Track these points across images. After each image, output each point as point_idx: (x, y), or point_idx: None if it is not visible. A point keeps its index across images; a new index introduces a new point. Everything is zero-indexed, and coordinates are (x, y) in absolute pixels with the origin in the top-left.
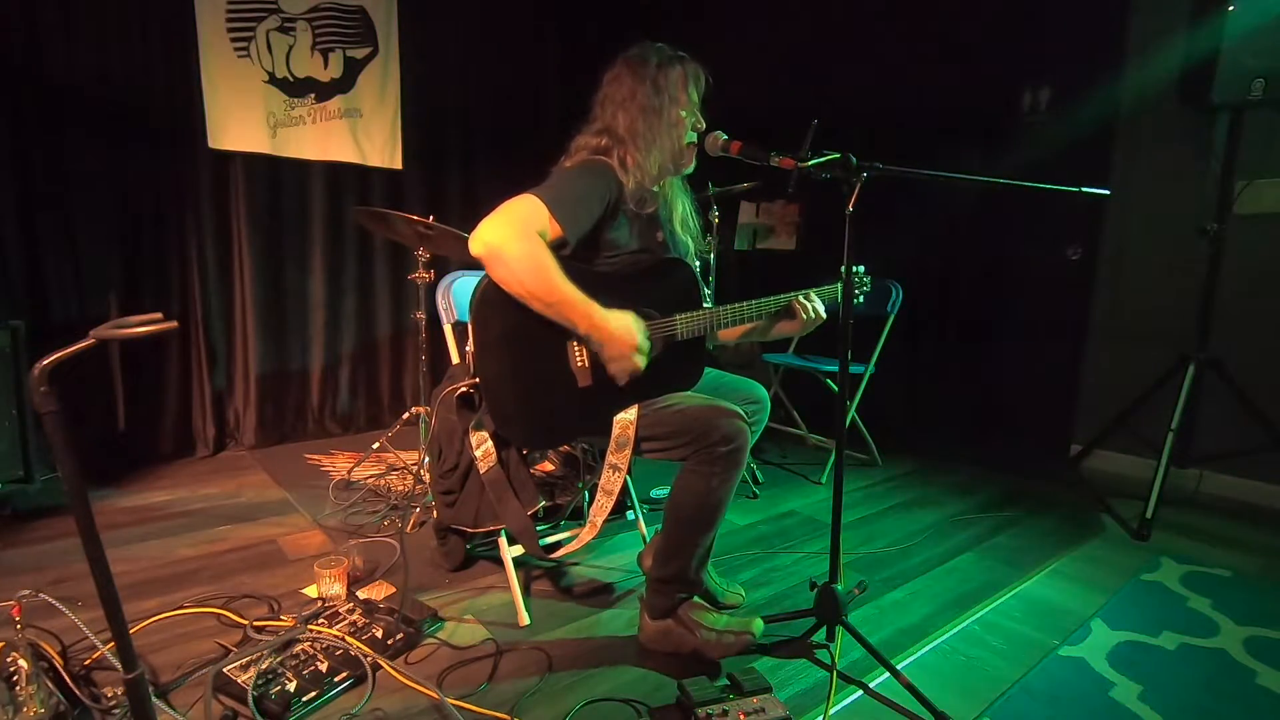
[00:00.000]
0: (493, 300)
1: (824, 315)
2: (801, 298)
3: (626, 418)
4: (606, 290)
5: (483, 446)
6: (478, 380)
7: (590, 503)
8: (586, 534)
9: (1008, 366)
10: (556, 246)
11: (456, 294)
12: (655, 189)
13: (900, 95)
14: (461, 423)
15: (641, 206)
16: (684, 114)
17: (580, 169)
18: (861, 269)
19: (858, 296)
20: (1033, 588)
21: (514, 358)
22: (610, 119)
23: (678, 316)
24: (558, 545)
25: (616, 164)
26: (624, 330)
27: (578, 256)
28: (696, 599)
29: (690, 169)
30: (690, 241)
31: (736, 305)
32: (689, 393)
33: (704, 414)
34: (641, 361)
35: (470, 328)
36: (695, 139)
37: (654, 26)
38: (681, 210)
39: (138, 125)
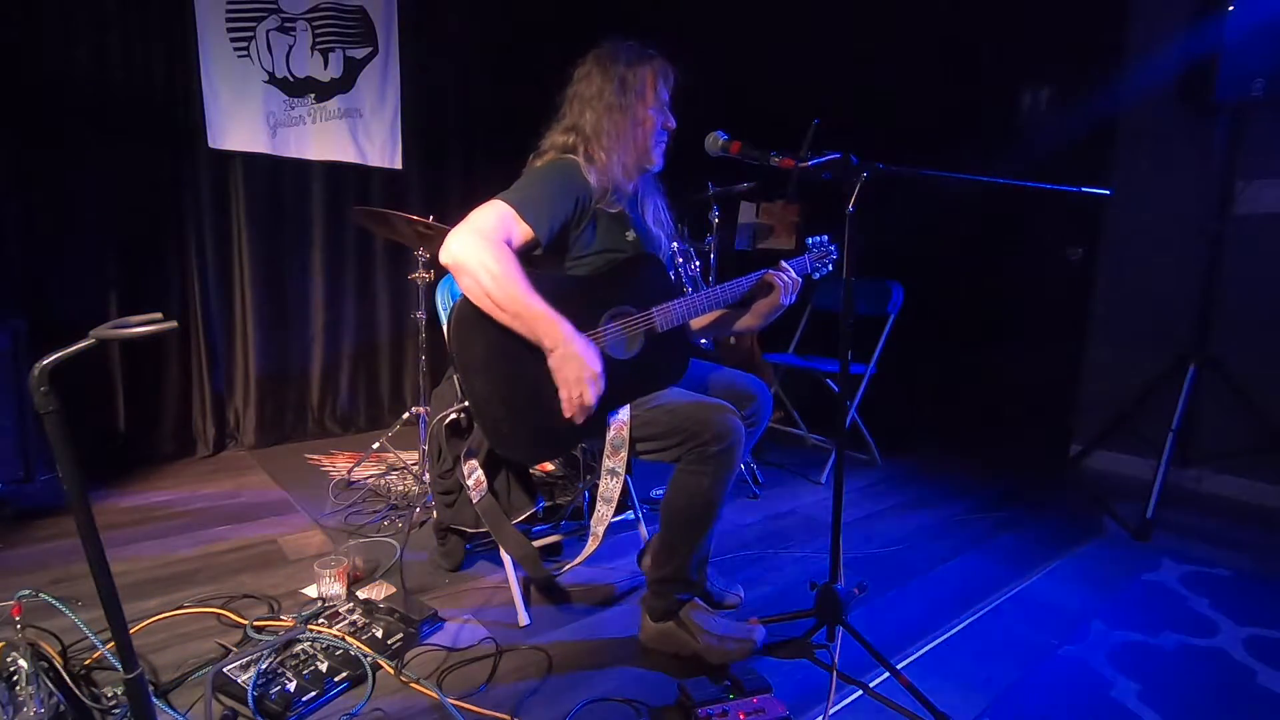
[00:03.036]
0: (468, 320)
1: (799, 279)
2: (774, 270)
3: (620, 418)
4: (581, 293)
5: (474, 475)
6: (466, 404)
7: (592, 505)
8: (590, 547)
9: (1008, 366)
10: (529, 249)
11: (456, 294)
12: (625, 187)
13: (900, 95)
14: (452, 451)
15: (610, 205)
16: (652, 112)
17: (548, 168)
18: (824, 238)
19: (820, 269)
20: (1033, 588)
21: (500, 375)
22: (578, 116)
23: (654, 309)
24: (564, 551)
25: (584, 162)
26: (587, 355)
27: (547, 260)
28: (698, 601)
29: (658, 168)
30: (663, 236)
31: (711, 289)
32: (680, 389)
33: (695, 412)
34: (592, 395)
35: (451, 352)
36: (664, 138)
37: (655, 26)
38: (653, 207)
39: (138, 125)
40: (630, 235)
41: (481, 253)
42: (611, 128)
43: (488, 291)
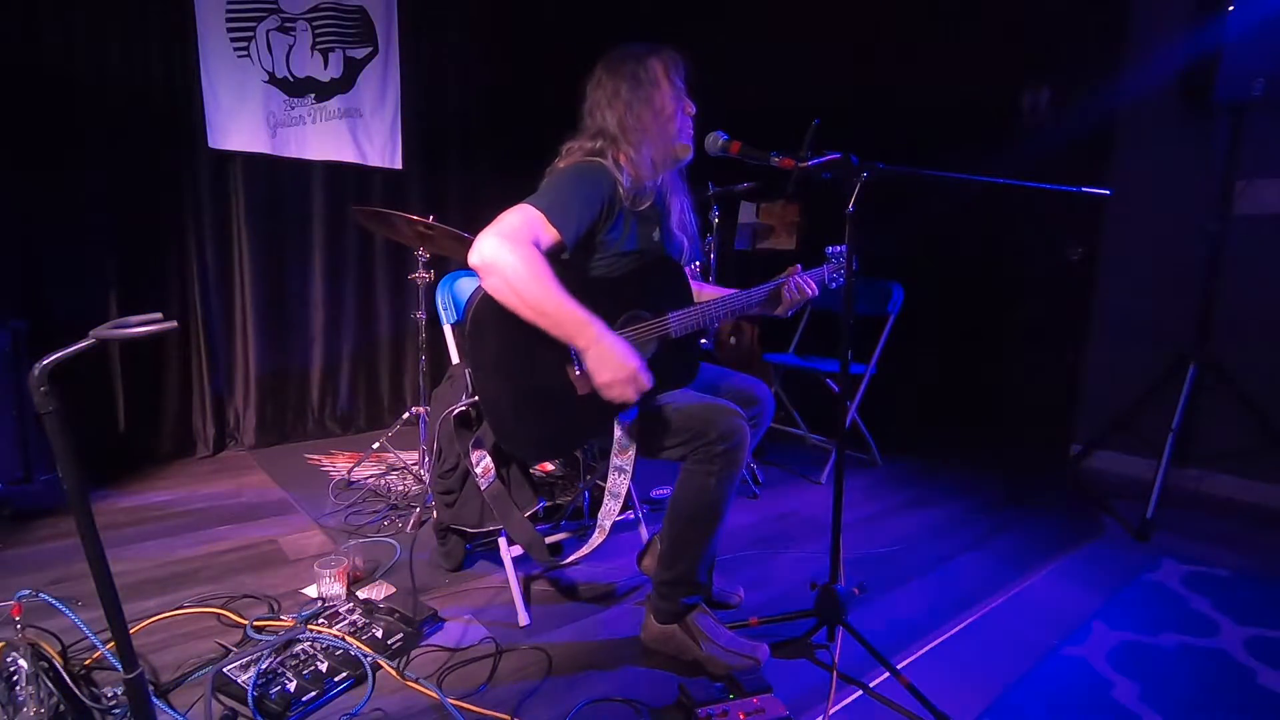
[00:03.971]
0: (485, 318)
1: (814, 292)
2: (794, 283)
3: (626, 418)
4: (599, 294)
5: (482, 463)
6: (476, 399)
7: (592, 505)
8: (596, 539)
9: (1008, 366)
10: (556, 252)
11: (456, 293)
12: (652, 184)
13: (900, 95)
14: (461, 443)
15: (637, 205)
16: (670, 99)
17: (574, 171)
18: (845, 249)
19: (837, 279)
20: (1033, 588)
21: (512, 374)
22: (601, 121)
23: (670, 315)
24: (565, 551)
25: (611, 164)
26: (621, 352)
27: (574, 259)
28: (705, 607)
29: (688, 158)
30: (686, 240)
31: (727, 297)
32: (687, 391)
33: (701, 412)
34: (635, 391)
35: (466, 348)
36: (689, 124)
37: (655, 25)
38: (679, 210)
39: (138, 125)
40: (656, 235)
41: (511, 255)
42: (634, 122)
43: (518, 293)
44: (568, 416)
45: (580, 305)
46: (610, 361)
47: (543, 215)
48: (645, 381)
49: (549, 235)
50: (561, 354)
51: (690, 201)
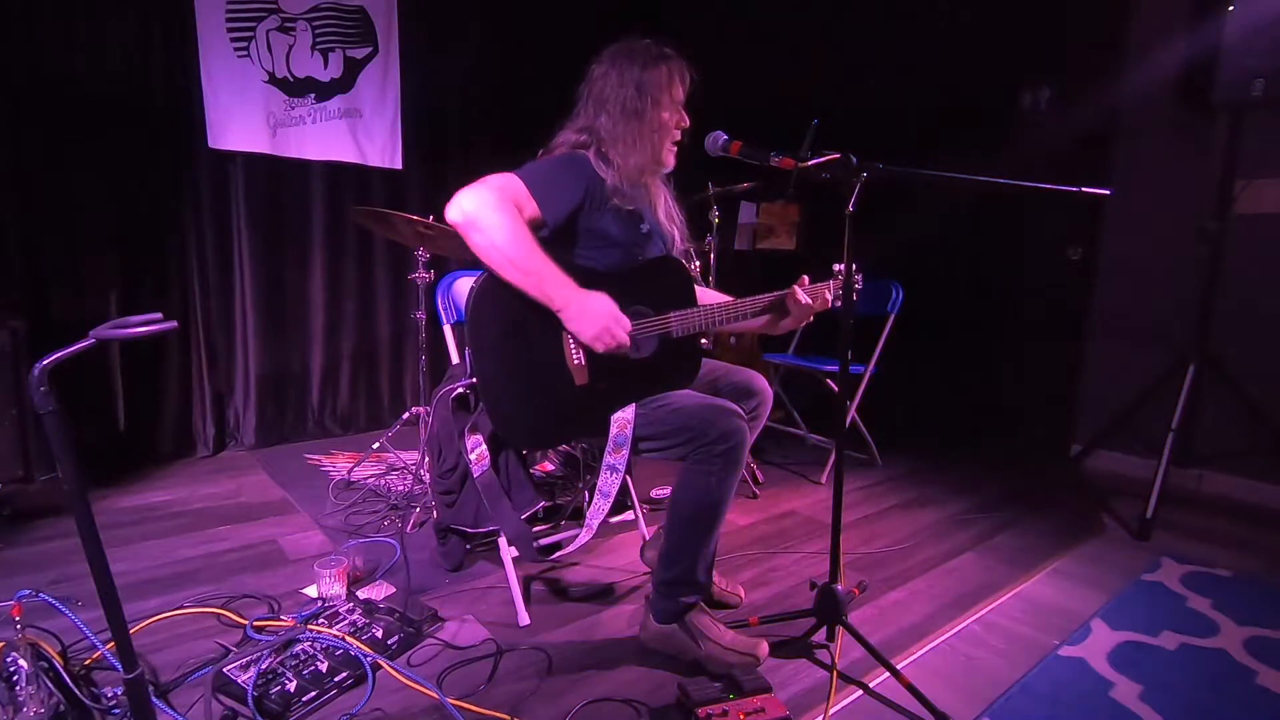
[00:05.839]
0: (487, 299)
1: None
2: (801, 293)
3: (624, 416)
4: (603, 287)
5: (476, 450)
6: (475, 382)
7: (589, 504)
8: (583, 537)
9: (1008, 366)
10: (534, 227)
11: (456, 293)
12: (636, 187)
13: (900, 95)
14: (457, 424)
15: (624, 202)
16: (666, 115)
17: (559, 158)
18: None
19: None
20: (1033, 588)
21: (511, 357)
22: (593, 118)
23: (672, 315)
24: (554, 548)
25: (595, 158)
26: (598, 302)
27: (558, 245)
28: (704, 606)
29: (668, 169)
30: (676, 230)
31: (731, 303)
32: (687, 391)
33: (701, 412)
34: (622, 333)
35: (467, 329)
36: (677, 137)
37: (656, 24)
38: (664, 201)
39: (138, 125)
40: (644, 228)
41: (495, 212)
42: (627, 133)
43: (500, 249)
44: (564, 406)
45: (558, 267)
46: (589, 313)
47: (525, 186)
48: (626, 323)
49: (530, 206)
50: (561, 342)
51: (674, 192)
